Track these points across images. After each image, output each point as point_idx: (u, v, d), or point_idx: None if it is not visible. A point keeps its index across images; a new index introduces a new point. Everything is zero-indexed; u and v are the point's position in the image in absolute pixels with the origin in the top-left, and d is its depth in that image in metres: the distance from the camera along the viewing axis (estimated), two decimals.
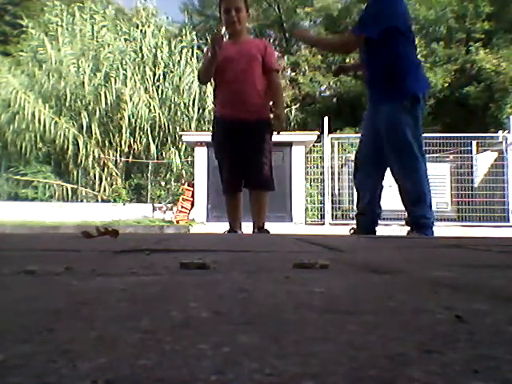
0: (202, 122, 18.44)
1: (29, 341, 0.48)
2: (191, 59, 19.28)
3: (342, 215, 11.88)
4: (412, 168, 3.66)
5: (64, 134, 17.44)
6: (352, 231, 4.00)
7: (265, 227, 4.02)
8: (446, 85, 19.59)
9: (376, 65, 3.67)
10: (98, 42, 19.42)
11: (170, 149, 18.03)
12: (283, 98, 3.89)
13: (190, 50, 19.58)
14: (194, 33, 20.81)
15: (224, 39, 3.87)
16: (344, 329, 0.54)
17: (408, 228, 3.89)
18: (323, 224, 11.59)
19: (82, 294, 0.78)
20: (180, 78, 18.79)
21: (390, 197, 11.40)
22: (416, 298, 0.78)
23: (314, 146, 12.32)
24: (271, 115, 3.90)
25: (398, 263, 1.39)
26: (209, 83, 4.22)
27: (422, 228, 3.77)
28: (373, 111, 3.77)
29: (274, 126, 3.90)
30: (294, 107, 20.45)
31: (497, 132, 12.61)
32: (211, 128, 4.18)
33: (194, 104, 18.23)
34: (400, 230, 10.26)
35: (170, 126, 18.43)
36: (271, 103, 3.97)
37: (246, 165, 3.90)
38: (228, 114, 3.88)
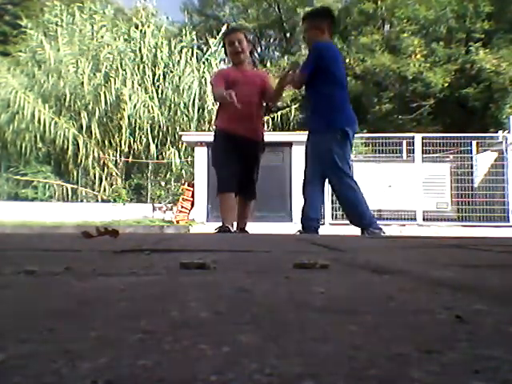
0: (202, 121, 18.43)
1: (29, 341, 0.48)
2: (191, 59, 19.26)
3: (342, 215, 11.86)
4: (345, 187, 4.35)
5: (64, 134, 17.43)
6: (298, 233, 4.33)
7: (246, 229, 4.48)
8: (446, 85, 19.58)
9: (311, 100, 4.36)
10: (97, 42, 19.41)
11: (169, 149, 18.02)
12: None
13: (190, 49, 19.57)
14: (193, 33, 20.80)
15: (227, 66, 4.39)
16: (344, 329, 0.54)
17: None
18: (323, 224, 11.58)
19: (82, 294, 0.78)
20: (180, 78, 18.77)
21: (389, 197, 11.41)
22: (416, 298, 0.78)
23: None
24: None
25: (398, 263, 1.38)
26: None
27: (369, 228, 4.35)
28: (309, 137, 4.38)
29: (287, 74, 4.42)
30: (293, 107, 20.44)
31: (497, 132, 12.61)
32: (212, 139, 4.64)
33: (193, 104, 18.22)
34: (400, 230, 10.26)
35: (170, 126, 18.42)
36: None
37: (241, 177, 4.37)
38: (233, 129, 4.29)
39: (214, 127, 4.68)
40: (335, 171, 4.25)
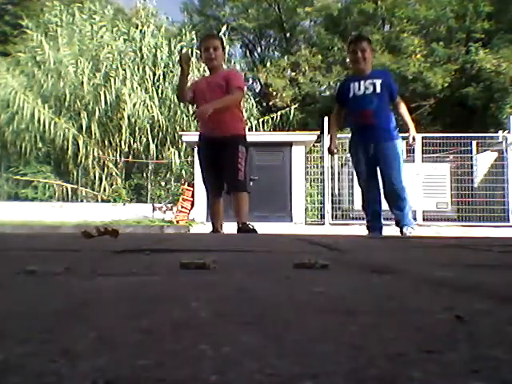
0: None
1: (29, 341, 0.48)
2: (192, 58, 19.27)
3: (342, 215, 11.87)
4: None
5: (64, 134, 17.43)
6: None
7: (247, 223, 4.44)
8: (446, 85, 19.58)
9: (384, 114, 4.74)
10: (97, 42, 19.40)
11: (169, 149, 18.02)
12: (225, 102, 4.45)
13: (190, 49, 19.57)
14: (193, 32, 20.79)
15: (191, 60, 4.58)
16: (344, 329, 0.54)
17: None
18: (323, 224, 11.58)
19: (82, 294, 0.78)
20: None
21: None
22: (416, 298, 0.78)
23: (314, 145, 12.33)
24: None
25: (398, 263, 1.38)
26: None
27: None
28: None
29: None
30: (293, 107, 20.44)
31: (497, 132, 12.61)
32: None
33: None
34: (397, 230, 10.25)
35: (170, 126, 18.42)
36: None
37: (223, 173, 4.54)
38: (205, 133, 4.64)
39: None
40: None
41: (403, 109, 4.84)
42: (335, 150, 5.05)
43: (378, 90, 4.58)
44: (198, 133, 4.87)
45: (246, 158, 4.61)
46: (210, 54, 4.49)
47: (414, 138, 4.91)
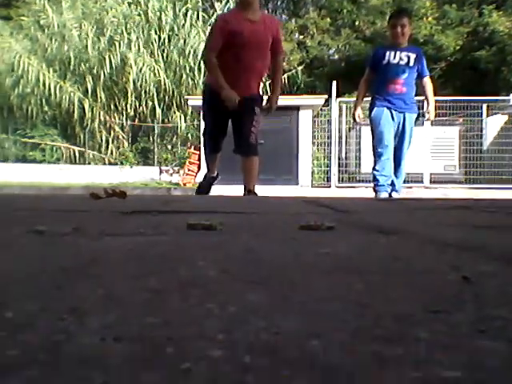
0: None
1: (38, 299, 0.49)
2: (196, 22, 18.92)
3: (349, 178, 11.85)
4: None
5: (69, 98, 17.34)
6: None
7: (254, 190, 4.27)
8: (458, 48, 19.17)
9: (411, 89, 4.93)
10: (100, 5, 19.06)
11: (175, 112, 17.92)
12: (282, 82, 4.31)
13: (196, 12, 19.18)
14: None
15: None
16: (350, 288, 0.54)
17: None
18: (329, 187, 11.58)
19: (90, 254, 0.79)
20: (185, 42, 18.48)
21: None
22: (422, 258, 0.77)
23: (321, 109, 12.20)
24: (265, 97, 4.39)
25: (405, 224, 1.38)
26: None
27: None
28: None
29: (266, 108, 4.37)
30: (299, 68, 20.14)
31: (508, 95, 12.41)
32: (202, 96, 4.57)
33: (199, 68, 17.99)
34: (406, 192, 10.24)
35: (176, 90, 18.25)
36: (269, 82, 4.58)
37: (235, 133, 4.29)
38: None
39: (205, 83, 4.57)
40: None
41: (429, 87, 4.97)
42: (361, 116, 5.14)
43: (412, 63, 4.75)
44: (207, 83, 4.48)
45: (260, 121, 4.32)
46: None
47: (429, 118, 5.20)
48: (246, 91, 4.10)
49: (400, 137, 4.88)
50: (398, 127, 4.86)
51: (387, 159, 4.87)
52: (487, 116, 11.94)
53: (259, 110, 4.29)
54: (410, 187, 10.78)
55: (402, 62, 4.74)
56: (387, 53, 4.78)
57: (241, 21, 3.93)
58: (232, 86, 4.03)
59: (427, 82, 4.95)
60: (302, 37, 22.31)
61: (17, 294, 0.51)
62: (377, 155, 4.96)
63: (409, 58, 4.75)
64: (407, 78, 4.77)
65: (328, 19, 22.11)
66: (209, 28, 18.94)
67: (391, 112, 4.81)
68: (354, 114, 5.17)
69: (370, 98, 5.10)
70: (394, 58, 4.75)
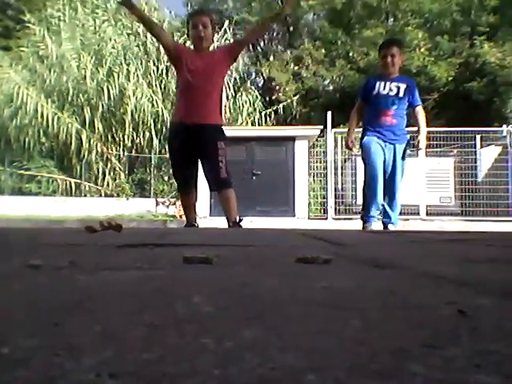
0: None
1: (33, 334, 0.49)
2: None
3: (346, 210, 11.87)
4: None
5: (67, 129, 17.44)
6: None
7: (237, 221, 4.22)
8: (450, 79, 19.49)
9: (401, 120, 4.91)
10: (99, 36, 19.37)
11: None
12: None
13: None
14: None
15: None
16: (346, 324, 0.54)
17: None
18: (326, 219, 11.58)
19: (86, 289, 0.78)
20: None
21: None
22: (419, 293, 0.78)
23: (317, 140, 12.30)
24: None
25: (401, 258, 1.39)
26: None
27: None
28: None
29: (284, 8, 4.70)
30: (295, 98, 20.38)
31: (501, 126, 12.56)
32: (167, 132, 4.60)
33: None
34: (403, 224, 10.24)
35: None
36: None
37: (204, 171, 4.30)
38: (181, 119, 4.20)
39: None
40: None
41: (421, 117, 4.94)
42: (354, 145, 5.18)
43: (402, 93, 4.76)
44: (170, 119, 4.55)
45: (226, 151, 4.26)
46: (198, 31, 4.12)
47: (420, 148, 5.10)
48: (204, 118, 4.12)
49: (392, 168, 4.91)
50: (390, 159, 4.86)
51: (377, 188, 4.85)
52: (481, 147, 12.05)
53: (222, 141, 4.25)
54: (407, 219, 10.80)
55: (391, 93, 4.75)
56: (377, 83, 4.80)
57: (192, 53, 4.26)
58: (186, 111, 4.13)
59: (419, 111, 4.94)
60: (297, 67, 22.64)
61: (12, 330, 0.51)
62: (367, 184, 4.95)
63: (398, 88, 4.77)
64: (397, 109, 4.78)
65: (323, 50, 22.50)
66: None
67: (381, 143, 4.83)
68: (347, 142, 5.18)
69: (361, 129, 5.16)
70: (384, 88, 4.77)
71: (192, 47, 4.43)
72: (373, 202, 4.91)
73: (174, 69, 4.48)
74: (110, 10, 20.73)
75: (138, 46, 19.45)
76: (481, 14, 20.16)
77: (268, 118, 19.05)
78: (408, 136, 5.03)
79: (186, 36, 19.59)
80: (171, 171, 4.60)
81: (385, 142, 4.81)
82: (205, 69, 4.13)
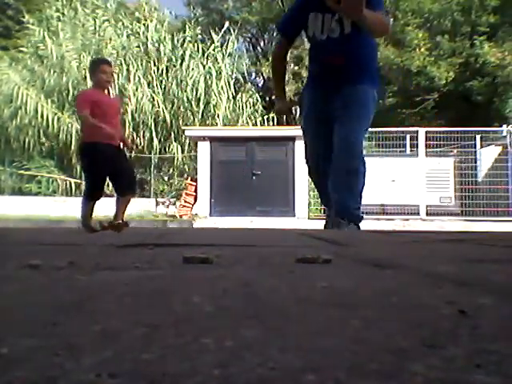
0: (206, 116, 18.41)
1: (33, 334, 0.49)
2: (197, 51, 19.24)
3: None
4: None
5: (67, 129, 17.46)
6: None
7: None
8: (450, 79, 19.49)
9: (355, 45, 3.73)
10: (99, 36, 19.38)
11: (172, 143, 18.04)
12: None
13: (194, 43, 19.52)
14: (198, 27, 20.73)
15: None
16: (346, 323, 0.54)
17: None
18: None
19: (85, 289, 0.78)
20: (184, 73, 18.75)
21: (393, 192, 11.38)
22: (419, 292, 0.78)
23: None
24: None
25: (401, 258, 1.39)
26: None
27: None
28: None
29: None
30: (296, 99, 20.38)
31: (500, 126, 12.56)
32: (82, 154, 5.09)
33: (198, 99, 18.19)
34: (403, 224, 10.25)
35: (174, 121, 18.42)
36: None
37: (122, 177, 5.04)
38: (103, 140, 4.76)
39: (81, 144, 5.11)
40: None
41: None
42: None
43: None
44: (87, 140, 4.95)
45: None
46: (109, 77, 4.96)
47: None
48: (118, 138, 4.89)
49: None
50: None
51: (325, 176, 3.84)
52: (481, 147, 12.05)
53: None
54: (407, 219, 10.81)
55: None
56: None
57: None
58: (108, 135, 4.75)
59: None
60: (297, 67, 22.66)
61: (12, 330, 0.51)
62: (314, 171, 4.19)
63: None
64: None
65: None
66: (207, 59, 19.18)
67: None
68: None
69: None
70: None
71: None
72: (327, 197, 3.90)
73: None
74: (109, 10, 20.75)
75: (138, 46, 19.45)
76: (481, 14, 20.16)
77: (269, 120, 19.06)
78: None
79: (186, 35, 19.68)
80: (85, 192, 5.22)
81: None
82: (114, 108, 5.14)
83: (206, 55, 19.27)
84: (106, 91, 5.16)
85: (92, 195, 5.00)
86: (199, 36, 20.19)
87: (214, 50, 19.49)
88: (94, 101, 4.76)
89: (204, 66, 18.57)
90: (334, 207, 3.76)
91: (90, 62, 5.95)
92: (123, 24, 20.00)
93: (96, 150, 4.86)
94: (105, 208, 13.63)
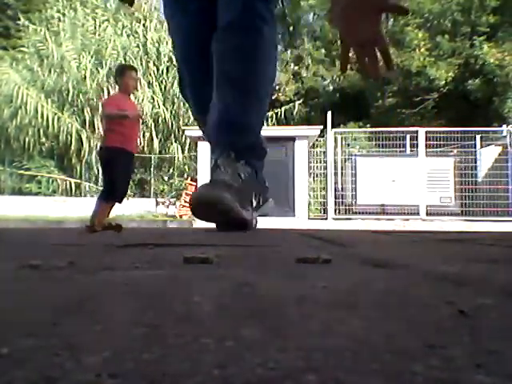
0: None
1: (33, 335, 0.49)
2: None
3: (345, 210, 11.88)
4: None
5: (67, 129, 17.47)
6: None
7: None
8: (450, 79, 19.50)
9: None
10: (99, 36, 19.39)
11: (172, 143, 18.05)
12: None
13: None
14: None
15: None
16: (346, 323, 0.54)
17: None
18: (326, 219, 11.59)
19: (85, 289, 0.78)
20: None
21: (393, 192, 11.41)
22: (418, 292, 0.78)
23: (317, 140, 12.32)
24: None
25: (401, 258, 1.39)
26: None
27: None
28: None
29: None
30: (297, 103, 20.38)
31: (500, 126, 12.57)
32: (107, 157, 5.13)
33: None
34: (403, 224, 10.25)
35: (174, 121, 18.42)
36: None
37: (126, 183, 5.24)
38: (126, 146, 5.01)
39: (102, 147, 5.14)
40: None
41: None
42: None
43: None
44: (108, 145, 5.03)
45: None
46: (136, 84, 5.25)
47: None
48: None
49: None
50: None
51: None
52: (481, 147, 12.07)
53: None
54: (407, 219, 10.81)
55: None
56: None
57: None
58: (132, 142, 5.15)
59: None
60: (297, 67, 22.66)
61: (11, 330, 0.51)
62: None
63: None
64: None
65: (323, 50, 22.52)
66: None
67: None
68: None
69: None
70: None
71: None
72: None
73: None
74: (109, 10, 20.76)
75: (137, 46, 19.46)
76: (481, 15, 20.18)
77: (269, 119, 19.07)
78: None
79: None
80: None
81: None
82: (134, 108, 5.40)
83: None
84: (130, 97, 5.32)
85: (114, 198, 5.13)
86: None
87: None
88: (121, 106, 4.94)
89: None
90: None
91: (117, 67, 6.13)
92: (123, 24, 20.02)
93: (121, 154, 5.01)
94: None
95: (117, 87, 5.28)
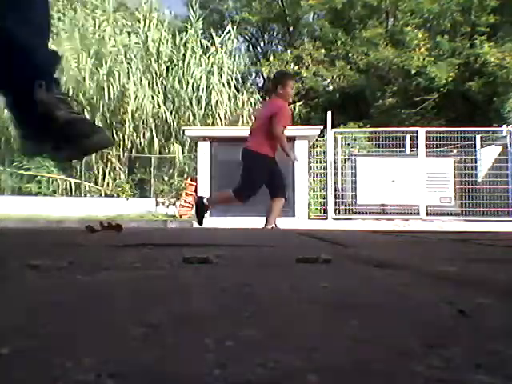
0: (207, 116, 18.41)
1: (33, 335, 0.49)
2: (196, 52, 19.24)
3: (345, 210, 11.87)
4: None
5: None
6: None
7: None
8: (450, 79, 19.49)
9: None
10: (99, 36, 19.38)
11: (173, 143, 18.04)
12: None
13: (195, 43, 19.52)
14: (199, 26, 20.72)
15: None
16: (346, 323, 0.54)
17: None
18: (326, 219, 11.59)
19: (85, 289, 0.78)
20: (184, 72, 18.76)
21: (393, 192, 11.38)
22: (418, 292, 0.78)
23: (317, 140, 12.30)
24: None
25: (401, 258, 1.39)
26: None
27: None
28: None
29: None
30: (298, 104, 20.38)
31: (500, 126, 12.56)
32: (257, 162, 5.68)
33: (198, 99, 18.19)
34: (403, 224, 10.25)
35: (174, 121, 18.42)
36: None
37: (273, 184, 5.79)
38: (271, 154, 5.51)
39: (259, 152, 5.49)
40: None
41: None
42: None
43: None
44: (264, 153, 5.49)
45: None
46: (292, 93, 5.46)
47: None
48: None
49: None
50: None
51: None
52: (481, 147, 12.06)
53: None
54: (407, 219, 10.81)
55: None
56: None
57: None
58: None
59: None
60: (297, 67, 22.66)
61: (12, 330, 0.51)
62: None
63: None
64: None
65: (323, 50, 22.51)
66: (208, 59, 19.18)
67: None
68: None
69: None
70: None
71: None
72: None
73: None
74: (109, 9, 20.74)
75: (138, 45, 19.45)
76: (481, 14, 20.18)
77: None
78: None
79: (186, 35, 19.66)
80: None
81: None
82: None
83: (207, 55, 19.28)
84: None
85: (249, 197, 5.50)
86: (199, 36, 20.19)
87: (214, 49, 19.51)
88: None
89: (204, 66, 18.57)
90: None
91: (279, 73, 6.20)
92: (123, 23, 20.01)
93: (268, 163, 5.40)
94: (105, 208, 13.65)
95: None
